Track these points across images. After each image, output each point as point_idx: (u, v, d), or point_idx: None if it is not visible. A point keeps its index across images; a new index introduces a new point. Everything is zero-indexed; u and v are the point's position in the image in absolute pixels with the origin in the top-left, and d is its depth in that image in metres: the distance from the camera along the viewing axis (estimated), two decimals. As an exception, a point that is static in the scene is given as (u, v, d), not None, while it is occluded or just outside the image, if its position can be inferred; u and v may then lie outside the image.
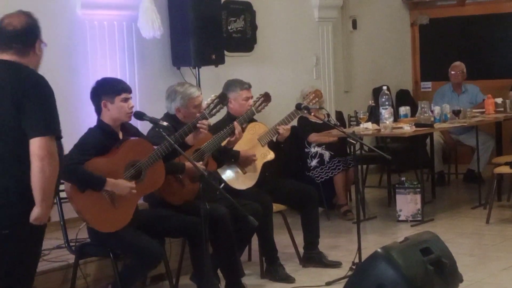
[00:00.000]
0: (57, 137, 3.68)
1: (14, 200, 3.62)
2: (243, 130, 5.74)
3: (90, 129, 4.92)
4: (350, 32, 10.69)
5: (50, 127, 3.61)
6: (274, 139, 6.18)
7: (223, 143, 5.64)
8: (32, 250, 3.77)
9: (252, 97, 6.15)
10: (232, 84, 6.20)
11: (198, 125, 5.09)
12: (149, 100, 7.42)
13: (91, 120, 5.05)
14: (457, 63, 9.69)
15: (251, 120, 6.05)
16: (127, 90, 4.91)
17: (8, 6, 6.64)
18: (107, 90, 4.87)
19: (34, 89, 3.62)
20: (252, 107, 5.97)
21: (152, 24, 7.33)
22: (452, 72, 9.63)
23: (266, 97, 6.05)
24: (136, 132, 5.07)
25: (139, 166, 4.82)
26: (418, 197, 7.57)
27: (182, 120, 5.46)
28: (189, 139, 5.12)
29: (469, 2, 11.19)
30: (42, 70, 7.14)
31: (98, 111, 4.90)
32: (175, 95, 5.52)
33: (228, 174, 5.93)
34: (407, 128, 7.45)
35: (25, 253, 3.71)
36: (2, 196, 3.62)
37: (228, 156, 5.80)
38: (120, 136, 4.92)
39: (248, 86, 6.18)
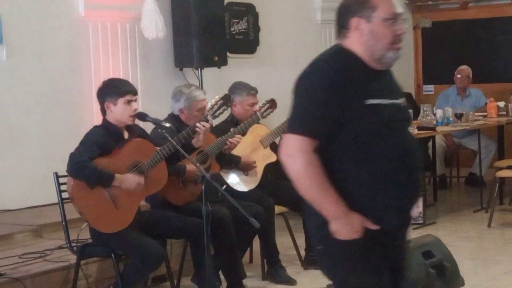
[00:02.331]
0: (309, 135, 3.06)
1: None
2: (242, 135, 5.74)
3: (94, 127, 4.90)
4: (352, 35, 10.68)
5: (293, 124, 3.10)
6: (277, 140, 6.17)
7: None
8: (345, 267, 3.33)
9: (257, 103, 6.13)
10: (239, 88, 6.15)
11: (196, 128, 5.08)
12: (151, 101, 7.42)
13: (95, 119, 5.04)
14: (464, 67, 9.65)
15: (255, 123, 6.04)
16: (132, 92, 4.87)
17: (12, 6, 6.69)
18: (111, 91, 4.84)
19: (299, 79, 3.19)
20: (258, 113, 5.95)
21: (155, 25, 7.32)
22: (458, 76, 9.59)
23: (272, 104, 6.04)
24: (142, 133, 5.05)
25: (141, 167, 4.81)
26: (420, 200, 7.56)
27: (184, 122, 5.45)
28: (195, 141, 5.12)
29: (472, 5, 11.17)
30: (47, 71, 7.15)
31: (103, 111, 4.88)
32: (180, 96, 5.50)
33: (230, 176, 5.93)
34: (409, 131, 7.43)
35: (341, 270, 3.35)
36: None
37: (227, 161, 5.78)
38: (126, 136, 4.91)
39: (254, 92, 6.14)
